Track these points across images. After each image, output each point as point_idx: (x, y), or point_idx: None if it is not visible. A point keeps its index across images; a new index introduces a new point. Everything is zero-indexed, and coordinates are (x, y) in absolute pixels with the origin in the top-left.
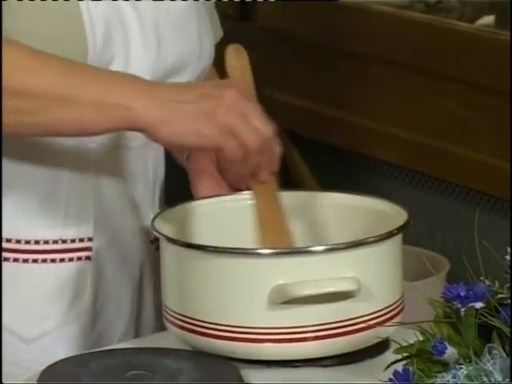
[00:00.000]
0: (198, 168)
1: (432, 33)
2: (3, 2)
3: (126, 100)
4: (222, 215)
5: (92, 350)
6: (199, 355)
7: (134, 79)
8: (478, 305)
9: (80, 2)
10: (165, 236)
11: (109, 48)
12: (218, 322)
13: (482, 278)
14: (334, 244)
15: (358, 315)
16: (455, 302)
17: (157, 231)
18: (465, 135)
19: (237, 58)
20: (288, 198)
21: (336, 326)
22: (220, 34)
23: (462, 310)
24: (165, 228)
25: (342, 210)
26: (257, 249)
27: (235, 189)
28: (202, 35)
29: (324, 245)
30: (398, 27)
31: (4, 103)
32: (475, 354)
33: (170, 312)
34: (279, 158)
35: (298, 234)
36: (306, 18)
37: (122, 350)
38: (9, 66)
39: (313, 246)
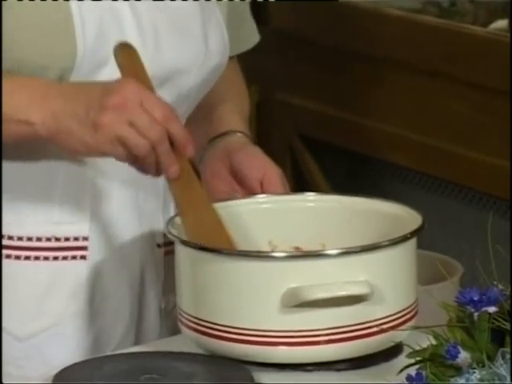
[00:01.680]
0: (211, 172)
1: (445, 36)
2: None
3: (26, 116)
4: (236, 218)
5: (109, 354)
6: (212, 359)
7: (33, 90)
8: (491, 309)
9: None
10: (179, 239)
11: (103, 47)
12: (232, 325)
13: (495, 283)
14: (347, 248)
15: (371, 319)
16: (468, 307)
17: (171, 234)
18: (478, 139)
19: (124, 56)
20: (300, 201)
21: (349, 330)
22: (255, 38)
23: (476, 314)
24: (179, 231)
25: (355, 213)
26: (271, 252)
27: (249, 192)
28: (209, 34)
29: (338, 248)
30: (411, 31)
31: None
32: (488, 358)
33: (184, 315)
34: (182, 141)
35: (311, 238)
36: (318, 21)
37: (135, 354)
38: None
39: (327, 250)
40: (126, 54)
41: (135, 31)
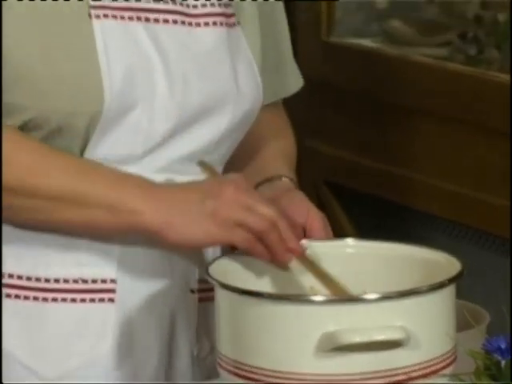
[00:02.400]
0: None
1: (472, 84)
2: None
3: (135, 205)
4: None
5: None
6: None
7: (141, 182)
8: None
9: (97, 42)
10: (219, 282)
11: (131, 92)
12: (269, 368)
13: None
14: (385, 293)
15: (407, 364)
16: (495, 354)
17: (211, 277)
18: (507, 187)
19: (208, 171)
20: (340, 246)
21: (384, 375)
22: (299, 83)
23: (503, 362)
24: (220, 275)
25: (395, 259)
26: (309, 296)
27: None
28: (239, 77)
29: (375, 293)
30: (439, 78)
31: (16, 202)
32: None
33: (223, 358)
34: (294, 229)
35: (351, 283)
36: (347, 69)
37: None
38: (19, 167)
39: (364, 295)
40: (207, 169)
41: (163, 76)
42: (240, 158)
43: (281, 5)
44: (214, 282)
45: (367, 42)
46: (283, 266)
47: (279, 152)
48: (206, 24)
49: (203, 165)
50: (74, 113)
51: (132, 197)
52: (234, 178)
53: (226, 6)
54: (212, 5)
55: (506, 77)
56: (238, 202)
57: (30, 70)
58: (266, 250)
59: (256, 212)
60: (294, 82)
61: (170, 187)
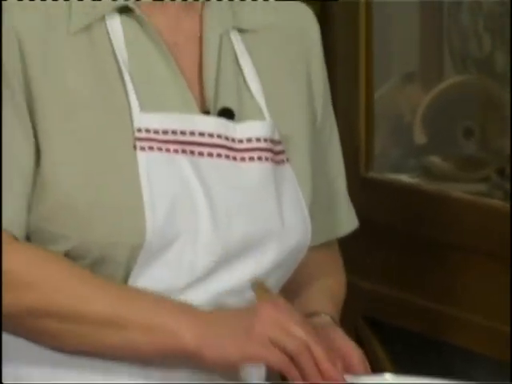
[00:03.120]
0: None
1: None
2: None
3: (175, 328)
4: None
5: None
6: None
7: (182, 305)
8: None
9: (141, 174)
10: None
11: (173, 225)
12: None
13: None
14: None
15: None
16: None
17: None
18: None
19: (263, 292)
20: (379, 382)
21: None
22: (353, 223)
23: None
24: None
25: None
26: None
27: None
28: (286, 212)
29: None
30: (478, 215)
31: (60, 327)
32: None
33: None
34: (326, 355)
35: None
36: (386, 204)
37: None
38: (60, 291)
39: None
40: (263, 290)
41: (206, 209)
42: (286, 291)
43: (336, 142)
44: None
45: (405, 178)
46: None
47: (326, 290)
48: (251, 159)
49: (257, 285)
50: (115, 244)
51: (172, 319)
52: (270, 300)
53: (274, 143)
54: (258, 140)
55: None
56: (275, 321)
57: (72, 199)
58: (300, 373)
59: (290, 333)
60: (347, 222)
61: (210, 310)
